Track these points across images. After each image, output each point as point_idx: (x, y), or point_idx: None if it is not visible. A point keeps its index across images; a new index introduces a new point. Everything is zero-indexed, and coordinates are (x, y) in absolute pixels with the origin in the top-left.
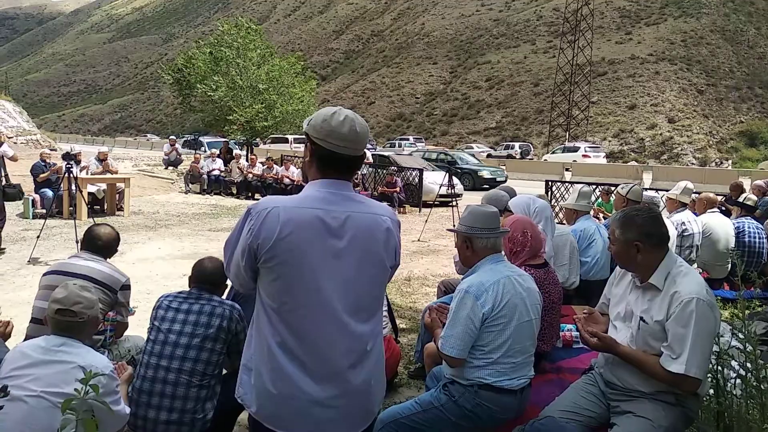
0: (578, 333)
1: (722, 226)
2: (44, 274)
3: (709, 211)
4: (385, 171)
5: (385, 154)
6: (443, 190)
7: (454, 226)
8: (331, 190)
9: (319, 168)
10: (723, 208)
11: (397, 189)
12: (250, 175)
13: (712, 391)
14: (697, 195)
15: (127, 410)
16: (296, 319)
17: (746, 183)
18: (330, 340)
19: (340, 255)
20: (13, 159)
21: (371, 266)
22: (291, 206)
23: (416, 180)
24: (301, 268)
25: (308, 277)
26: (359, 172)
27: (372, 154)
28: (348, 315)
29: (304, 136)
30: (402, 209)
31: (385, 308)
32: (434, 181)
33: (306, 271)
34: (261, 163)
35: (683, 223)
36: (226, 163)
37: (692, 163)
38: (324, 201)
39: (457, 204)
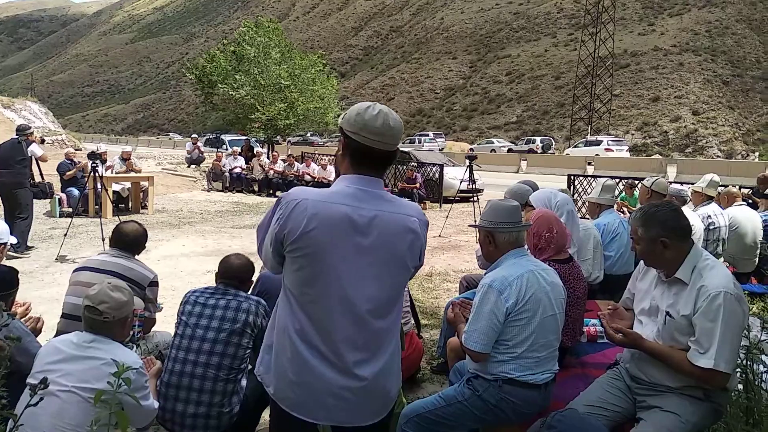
0: (602, 328)
1: (749, 219)
2: (74, 271)
3: (735, 204)
4: (405, 167)
5: (405, 150)
6: (464, 186)
7: (475, 221)
8: (362, 187)
9: (351, 162)
10: (750, 201)
11: (417, 185)
12: (272, 173)
13: (741, 386)
14: (723, 188)
15: (156, 405)
16: (315, 309)
17: None
18: (346, 333)
19: (363, 252)
20: (42, 159)
21: (393, 266)
22: (320, 200)
23: (437, 175)
24: (324, 262)
25: (330, 271)
26: None
27: None
28: (366, 311)
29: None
30: (422, 205)
31: (407, 304)
32: (455, 176)
33: (328, 266)
34: (282, 160)
35: (709, 216)
36: (247, 160)
37: (717, 156)
38: (353, 197)
39: (478, 199)
